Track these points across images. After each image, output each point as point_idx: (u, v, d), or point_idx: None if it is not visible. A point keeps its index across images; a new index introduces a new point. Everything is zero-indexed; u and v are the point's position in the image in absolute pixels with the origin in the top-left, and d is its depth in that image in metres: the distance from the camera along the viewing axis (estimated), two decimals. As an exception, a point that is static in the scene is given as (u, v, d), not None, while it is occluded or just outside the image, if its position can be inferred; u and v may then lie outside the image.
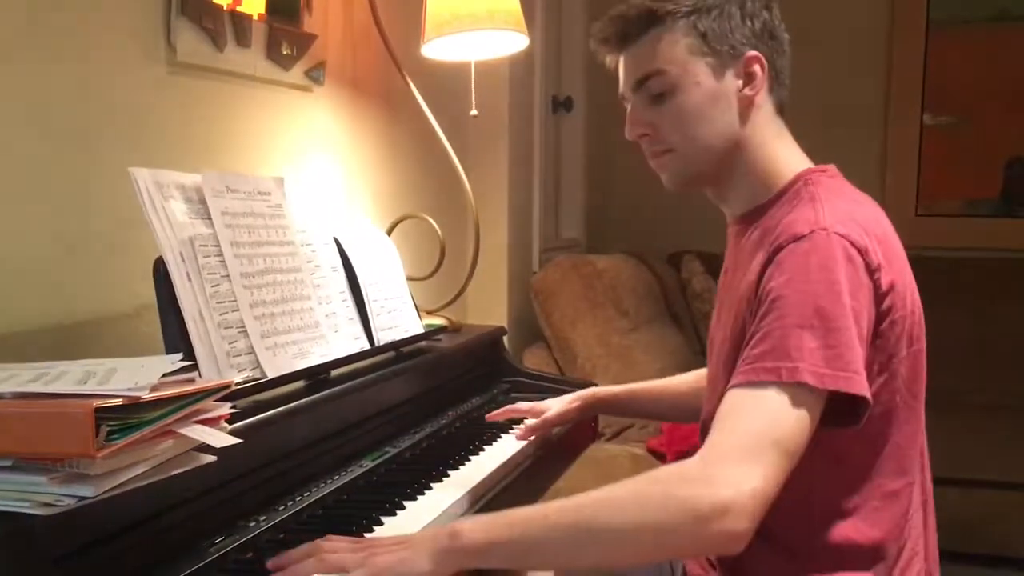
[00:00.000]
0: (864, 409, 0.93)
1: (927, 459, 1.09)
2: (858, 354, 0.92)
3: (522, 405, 1.54)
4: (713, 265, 3.10)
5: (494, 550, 0.87)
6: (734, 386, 0.93)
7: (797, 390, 0.90)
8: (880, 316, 0.98)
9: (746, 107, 1.10)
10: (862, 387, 0.91)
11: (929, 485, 1.10)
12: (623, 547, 0.86)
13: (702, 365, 3.06)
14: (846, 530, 1.01)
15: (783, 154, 1.12)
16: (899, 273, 1.01)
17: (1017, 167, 3.31)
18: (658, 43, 1.10)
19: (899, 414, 1.02)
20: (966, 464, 2.52)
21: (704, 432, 1.10)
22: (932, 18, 3.32)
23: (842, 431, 0.96)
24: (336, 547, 0.89)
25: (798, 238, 0.96)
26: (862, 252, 0.96)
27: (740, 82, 1.09)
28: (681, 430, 2.23)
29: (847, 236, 0.96)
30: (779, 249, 0.97)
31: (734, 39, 1.09)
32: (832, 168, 1.12)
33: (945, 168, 3.35)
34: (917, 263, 1.08)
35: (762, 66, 1.09)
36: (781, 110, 1.14)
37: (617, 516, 0.86)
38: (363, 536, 1.00)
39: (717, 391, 1.04)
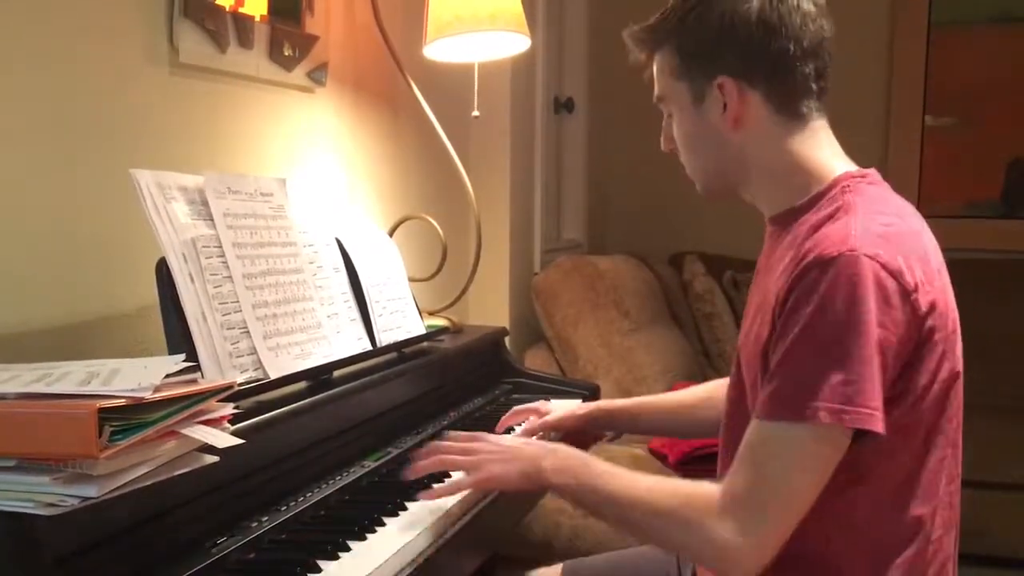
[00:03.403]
0: (874, 437, 0.93)
1: (958, 483, 1.06)
2: (878, 389, 0.91)
3: (528, 405, 1.52)
4: (714, 266, 3.10)
5: (563, 493, 1.09)
6: (759, 416, 0.95)
7: (818, 429, 0.91)
8: (922, 339, 0.95)
9: (733, 129, 1.06)
10: (878, 424, 0.91)
11: (957, 504, 1.06)
12: (651, 540, 1.08)
13: (703, 366, 3.06)
14: (869, 552, 0.99)
15: (815, 156, 1.06)
16: (940, 291, 0.97)
17: (1019, 168, 3.31)
18: (658, 66, 1.13)
19: (934, 439, 0.99)
20: (966, 465, 2.50)
21: (726, 444, 1.12)
22: (933, 19, 3.31)
23: (876, 458, 0.97)
24: (451, 448, 1.14)
25: (826, 261, 0.92)
26: (895, 275, 0.92)
27: (721, 105, 1.06)
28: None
29: (877, 258, 0.91)
30: (808, 269, 0.93)
31: (706, 65, 1.06)
32: (872, 173, 1.07)
33: (946, 169, 3.36)
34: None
35: (732, 92, 1.04)
36: (809, 114, 1.07)
37: (651, 524, 1.02)
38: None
39: (742, 399, 1.07)
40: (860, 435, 0.93)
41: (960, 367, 1.01)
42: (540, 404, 1.51)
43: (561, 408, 1.49)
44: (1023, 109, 3.26)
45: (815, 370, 0.91)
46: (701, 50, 1.06)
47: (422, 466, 1.13)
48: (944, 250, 1.06)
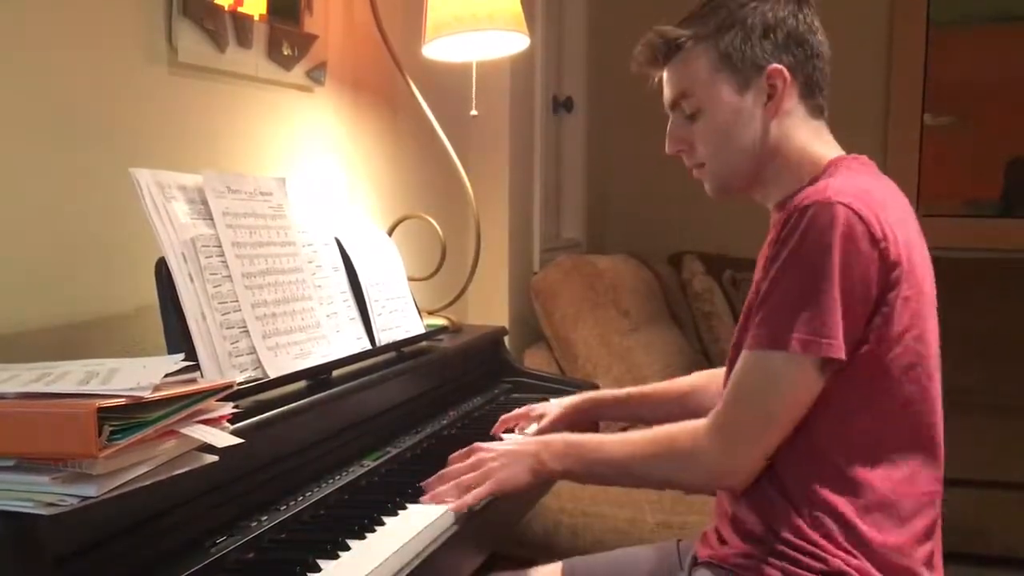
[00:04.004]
0: (848, 377, 1.04)
1: (941, 443, 1.11)
2: (839, 324, 1.01)
3: (518, 411, 1.49)
4: (713, 265, 3.10)
5: (568, 476, 1.19)
6: (747, 348, 1.08)
7: (793, 356, 1.03)
8: (889, 284, 1.03)
9: (773, 117, 1.14)
10: (840, 352, 1.02)
11: (941, 462, 1.12)
12: (659, 487, 1.30)
13: (704, 365, 3.06)
14: (854, 490, 1.06)
15: (821, 152, 1.16)
16: (909, 251, 1.05)
17: (1018, 167, 3.31)
18: (685, 66, 1.18)
19: (908, 387, 1.07)
20: (966, 464, 2.51)
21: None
22: (932, 18, 3.32)
23: (852, 396, 1.06)
24: (459, 470, 1.17)
25: (803, 208, 1.03)
26: (865, 222, 1.01)
27: (765, 95, 1.14)
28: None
29: (849, 205, 1.01)
30: (789, 216, 1.05)
31: (754, 55, 1.13)
32: (864, 157, 1.17)
33: (946, 168, 3.35)
34: (918, 263, 1.08)
35: (784, 78, 1.13)
36: (819, 112, 1.18)
37: (653, 471, 1.15)
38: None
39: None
40: (836, 371, 1.03)
41: (936, 333, 1.10)
42: (528, 408, 1.50)
43: (553, 407, 1.48)
44: (1022, 108, 3.26)
45: (790, 307, 1.03)
46: (750, 39, 1.13)
47: (439, 493, 1.14)
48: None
